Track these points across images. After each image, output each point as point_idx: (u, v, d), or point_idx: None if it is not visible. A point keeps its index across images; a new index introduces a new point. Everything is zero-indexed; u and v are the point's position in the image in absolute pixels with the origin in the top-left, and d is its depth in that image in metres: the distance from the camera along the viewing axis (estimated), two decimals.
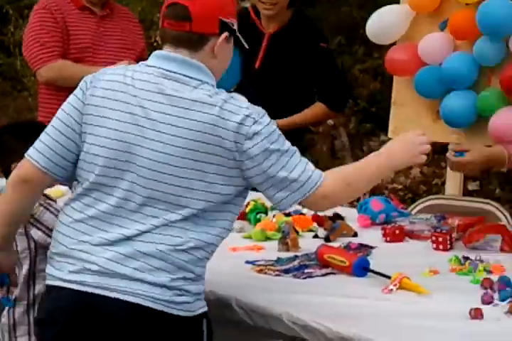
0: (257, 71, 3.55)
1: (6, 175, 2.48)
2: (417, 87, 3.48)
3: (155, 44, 8.01)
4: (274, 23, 3.58)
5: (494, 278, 2.11)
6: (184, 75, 1.94)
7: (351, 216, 2.77)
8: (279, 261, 2.37)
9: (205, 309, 2.00)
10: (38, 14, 3.66)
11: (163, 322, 1.92)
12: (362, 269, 2.21)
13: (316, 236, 2.61)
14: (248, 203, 2.84)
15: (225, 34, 1.97)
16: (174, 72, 1.95)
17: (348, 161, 6.33)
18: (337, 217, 2.70)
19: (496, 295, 2.00)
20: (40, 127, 2.51)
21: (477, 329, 1.85)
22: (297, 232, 2.59)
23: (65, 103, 2.03)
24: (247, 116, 1.90)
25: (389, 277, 2.14)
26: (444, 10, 3.42)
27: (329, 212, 2.75)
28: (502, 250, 2.37)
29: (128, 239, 1.91)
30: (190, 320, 1.95)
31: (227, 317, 2.16)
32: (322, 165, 6.50)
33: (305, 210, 2.85)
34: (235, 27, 2.00)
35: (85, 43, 3.63)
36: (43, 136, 2.01)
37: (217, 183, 1.91)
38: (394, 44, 3.63)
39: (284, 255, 2.42)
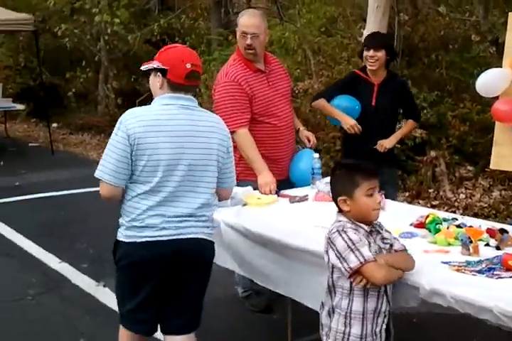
0: (373, 107, 3.71)
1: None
2: None
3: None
4: (378, 77, 3.73)
5: None
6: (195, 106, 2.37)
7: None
8: (469, 263, 2.19)
9: None
10: (229, 86, 3.27)
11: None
12: None
13: (487, 245, 2.40)
14: (427, 216, 2.69)
15: None
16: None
17: (445, 184, 6.15)
18: (504, 230, 2.50)
19: None
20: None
21: None
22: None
23: None
24: None
25: None
26: None
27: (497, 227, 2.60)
28: None
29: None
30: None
31: (438, 304, 2.03)
32: (426, 185, 6.30)
33: (473, 223, 2.67)
34: None
35: (266, 99, 3.33)
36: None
37: None
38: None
39: (470, 259, 2.24)
